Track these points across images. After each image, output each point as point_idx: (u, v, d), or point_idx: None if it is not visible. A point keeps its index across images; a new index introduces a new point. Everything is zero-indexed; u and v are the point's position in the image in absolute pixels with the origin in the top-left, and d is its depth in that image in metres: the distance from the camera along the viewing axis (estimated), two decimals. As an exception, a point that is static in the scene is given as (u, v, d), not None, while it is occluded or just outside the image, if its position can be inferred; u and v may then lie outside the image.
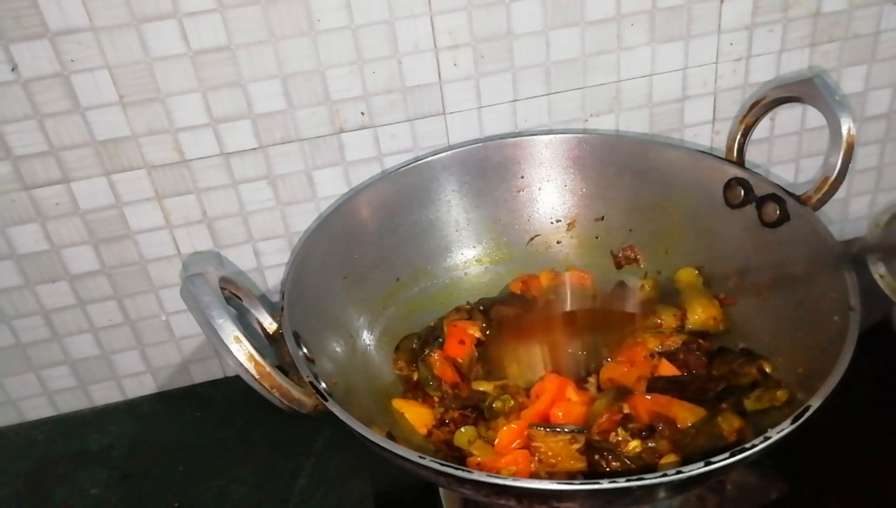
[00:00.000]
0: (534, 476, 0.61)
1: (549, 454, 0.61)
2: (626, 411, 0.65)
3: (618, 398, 0.65)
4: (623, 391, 0.66)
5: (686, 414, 0.63)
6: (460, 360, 0.72)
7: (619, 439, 0.63)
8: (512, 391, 0.68)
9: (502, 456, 0.62)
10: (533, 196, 0.79)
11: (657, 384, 0.66)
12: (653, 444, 0.62)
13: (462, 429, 0.66)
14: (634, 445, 0.62)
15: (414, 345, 0.73)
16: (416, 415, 0.68)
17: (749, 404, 0.63)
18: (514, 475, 0.61)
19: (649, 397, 0.65)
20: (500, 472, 0.61)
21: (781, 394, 0.61)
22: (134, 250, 0.77)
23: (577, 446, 0.61)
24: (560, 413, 0.65)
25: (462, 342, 0.73)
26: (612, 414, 0.64)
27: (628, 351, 0.69)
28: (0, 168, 0.70)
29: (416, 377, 0.71)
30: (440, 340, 0.73)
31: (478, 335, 0.73)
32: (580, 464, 0.61)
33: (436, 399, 0.69)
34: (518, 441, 0.63)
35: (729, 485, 0.66)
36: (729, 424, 0.61)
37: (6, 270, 0.75)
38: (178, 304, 0.79)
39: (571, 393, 0.66)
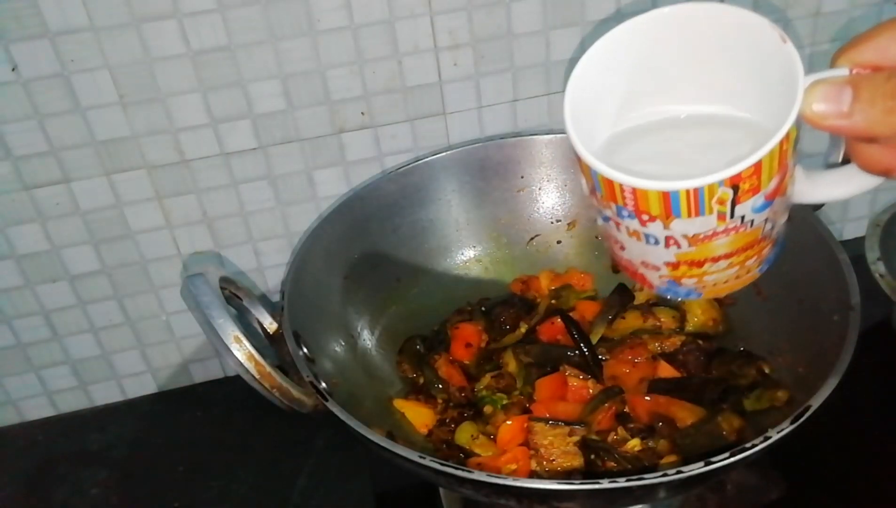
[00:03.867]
0: (533, 473, 0.61)
1: (548, 447, 0.61)
2: (625, 408, 0.65)
3: (617, 393, 0.65)
4: (622, 389, 0.66)
5: (685, 414, 0.63)
6: (467, 362, 0.72)
7: (618, 437, 0.63)
8: (506, 385, 0.68)
9: (503, 454, 0.62)
10: (533, 196, 0.79)
11: (657, 386, 0.66)
12: (652, 444, 0.62)
13: (463, 425, 0.66)
14: (633, 444, 0.62)
15: (418, 347, 0.73)
16: (417, 415, 0.68)
17: (749, 404, 0.63)
18: (514, 472, 0.61)
19: (648, 397, 0.65)
20: (501, 470, 0.61)
21: (782, 394, 0.61)
22: (134, 250, 0.77)
23: (574, 439, 0.61)
24: (560, 408, 0.65)
25: (469, 345, 0.73)
26: (611, 408, 0.64)
27: (629, 351, 0.69)
28: (0, 168, 0.70)
29: (421, 380, 0.71)
30: (445, 343, 0.73)
31: (485, 341, 0.73)
32: (577, 460, 0.61)
33: (440, 401, 0.69)
34: (519, 436, 0.63)
35: (729, 485, 0.66)
36: (729, 424, 0.61)
37: (6, 270, 0.75)
38: (179, 304, 0.79)
39: (571, 389, 0.66)
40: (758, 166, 0.35)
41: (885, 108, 0.30)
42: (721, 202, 0.36)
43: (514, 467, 0.61)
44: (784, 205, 0.40)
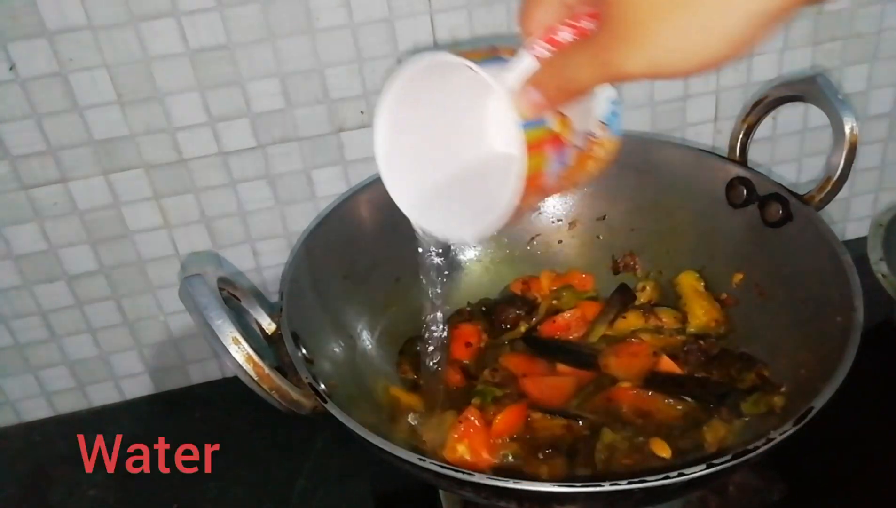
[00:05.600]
0: (499, 469, 0.61)
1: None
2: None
3: (609, 383, 0.66)
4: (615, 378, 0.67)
5: (674, 414, 0.63)
6: (467, 362, 0.72)
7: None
8: (503, 380, 0.68)
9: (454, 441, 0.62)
10: (533, 196, 0.79)
11: (655, 379, 0.66)
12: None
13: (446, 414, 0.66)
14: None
15: (418, 347, 0.73)
16: (410, 403, 0.68)
17: (746, 407, 0.63)
18: (460, 458, 0.61)
19: (646, 392, 0.65)
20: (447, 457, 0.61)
21: (778, 400, 0.61)
22: (132, 250, 0.76)
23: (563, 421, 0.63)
24: (551, 383, 0.67)
25: (469, 345, 0.73)
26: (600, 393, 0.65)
27: (629, 347, 0.69)
28: (-3, 168, 0.70)
29: (422, 381, 0.71)
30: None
31: (485, 341, 0.73)
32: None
33: (439, 402, 0.69)
34: (515, 426, 0.64)
35: (731, 487, 0.66)
36: (714, 434, 0.61)
37: (4, 270, 0.75)
38: (177, 304, 0.78)
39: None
40: (526, 181, 0.42)
41: (559, 90, 0.41)
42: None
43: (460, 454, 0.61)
44: (578, 116, 0.45)
